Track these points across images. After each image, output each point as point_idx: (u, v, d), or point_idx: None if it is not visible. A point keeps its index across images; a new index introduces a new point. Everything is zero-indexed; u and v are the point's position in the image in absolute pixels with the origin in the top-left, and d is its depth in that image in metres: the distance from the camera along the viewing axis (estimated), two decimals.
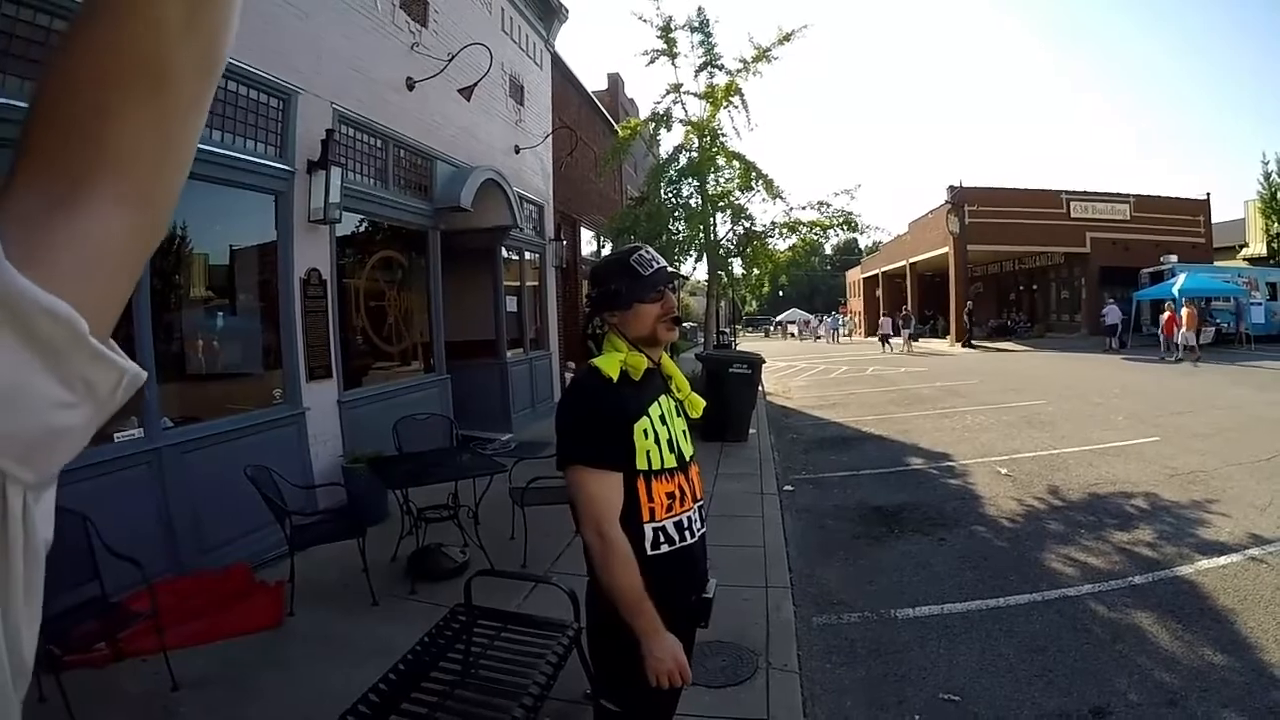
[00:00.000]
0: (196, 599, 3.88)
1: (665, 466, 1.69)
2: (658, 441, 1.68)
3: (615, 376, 1.66)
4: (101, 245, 0.43)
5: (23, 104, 3.40)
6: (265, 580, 4.33)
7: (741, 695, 3.05)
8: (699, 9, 10.50)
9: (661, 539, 1.68)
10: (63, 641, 2.79)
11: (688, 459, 1.79)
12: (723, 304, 18.93)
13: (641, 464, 1.65)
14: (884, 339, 28.99)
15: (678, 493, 1.72)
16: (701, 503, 1.84)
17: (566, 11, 11.30)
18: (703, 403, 1.93)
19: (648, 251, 1.76)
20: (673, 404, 1.81)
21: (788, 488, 6.82)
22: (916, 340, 28.37)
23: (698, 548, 1.79)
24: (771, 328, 57.31)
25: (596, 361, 1.69)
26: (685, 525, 1.73)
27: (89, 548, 3.10)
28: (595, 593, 1.73)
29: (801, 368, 21.58)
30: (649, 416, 1.69)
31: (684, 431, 1.82)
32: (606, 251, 15.61)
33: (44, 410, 0.40)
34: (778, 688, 3.10)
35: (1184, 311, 17.61)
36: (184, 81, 0.45)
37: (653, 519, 1.68)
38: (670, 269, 1.78)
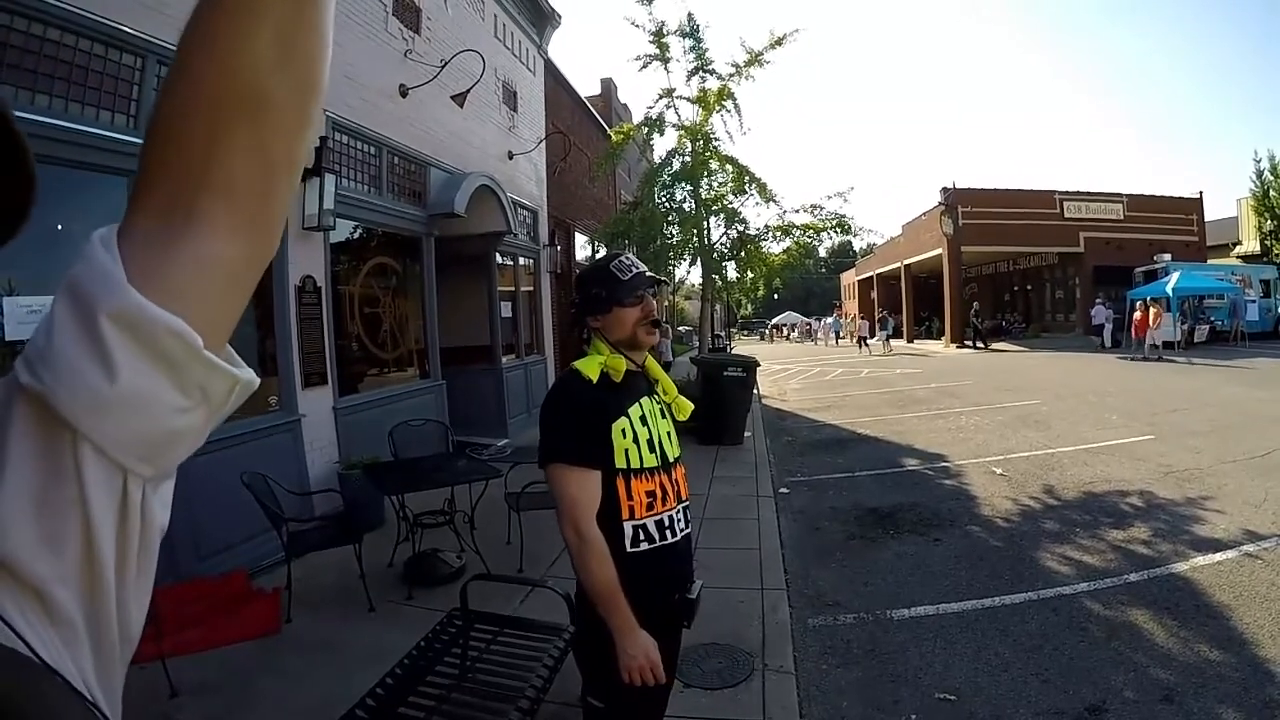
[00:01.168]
0: (194, 606, 3.87)
1: (645, 466, 1.73)
2: (636, 441, 1.72)
3: (595, 378, 1.70)
4: (214, 267, 0.46)
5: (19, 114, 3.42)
6: (263, 587, 4.32)
7: (738, 697, 3.05)
8: (689, 15, 10.55)
9: (641, 537, 1.71)
10: None
11: (672, 460, 1.82)
12: (718, 308, 18.96)
13: (620, 462, 1.69)
14: (860, 340, 29.69)
15: (659, 491, 1.75)
16: (687, 503, 1.86)
17: (559, 17, 11.34)
18: (690, 405, 1.96)
19: (627, 257, 1.81)
20: (657, 406, 1.85)
21: (783, 490, 6.83)
22: (891, 342, 29.11)
23: (681, 547, 1.81)
24: (767, 331, 57.36)
25: (577, 364, 1.74)
26: (667, 524, 1.76)
27: None
28: (582, 591, 1.76)
29: (797, 370, 21.62)
30: (628, 417, 1.73)
31: (668, 433, 1.85)
32: (601, 255, 15.63)
33: (165, 415, 0.45)
34: (774, 689, 3.10)
35: (1152, 311, 18.05)
36: (283, 108, 0.48)
37: (632, 517, 1.71)
38: (650, 274, 1.82)
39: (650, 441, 1.76)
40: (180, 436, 0.47)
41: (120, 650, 0.49)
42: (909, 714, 3.04)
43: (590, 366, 1.71)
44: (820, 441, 9.50)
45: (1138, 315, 18.44)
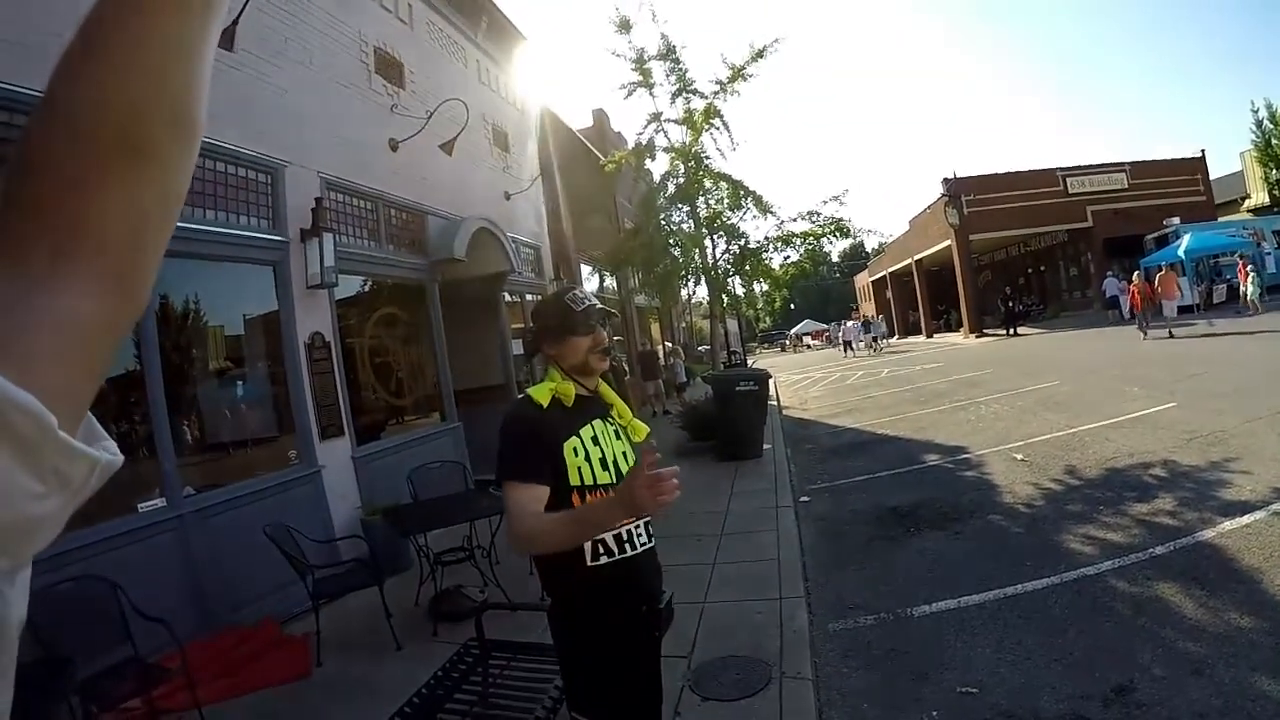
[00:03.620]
0: (227, 655, 3.99)
1: (599, 482, 1.82)
2: (589, 459, 1.82)
3: (546, 403, 1.83)
4: (78, 327, 0.41)
5: None
6: (293, 633, 4.42)
7: (755, 706, 3.06)
8: (663, 36, 10.74)
9: (601, 551, 1.79)
10: (99, 700, 2.94)
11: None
12: (731, 324, 19.00)
13: (574, 480, 1.79)
14: (846, 345, 30.16)
15: None
16: (648, 518, 1.92)
17: (543, 56, 11.64)
18: (645, 429, 2.05)
19: (580, 291, 1.97)
20: (610, 428, 1.96)
21: (804, 498, 6.81)
22: (880, 343, 29.77)
23: (644, 560, 1.89)
24: (787, 342, 57.15)
25: (530, 390, 1.87)
26: (625, 538, 1.84)
27: (120, 612, 3.27)
28: (556, 614, 1.86)
29: (817, 378, 21.51)
30: (579, 436, 1.83)
31: (624, 453, 1.95)
32: (609, 284, 15.80)
33: (17, 501, 0.39)
34: (791, 697, 3.11)
35: (1158, 278, 15.85)
36: (160, 152, 0.44)
37: None
38: (601, 308, 1.96)
39: (603, 460, 1.85)
40: (35, 525, 0.40)
41: None
42: (930, 711, 3.02)
43: (542, 393, 1.84)
44: (841, 446, 9.46)
45: (1134, 284, 16.54)
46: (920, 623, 3.86)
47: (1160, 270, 16.24)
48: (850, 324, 33.41)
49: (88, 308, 0.42)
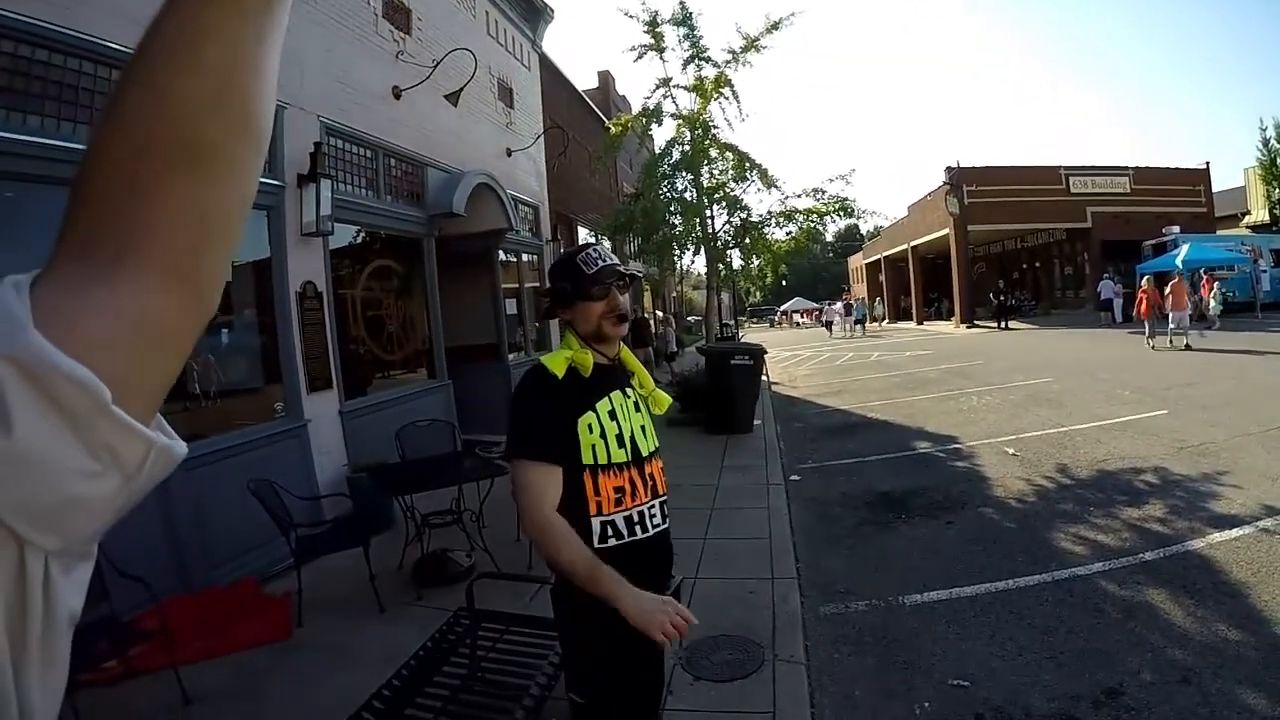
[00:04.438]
0: (205, 614, 3.90)
1: (613, 461, 1.71)
2: (604, 436, 1.70)
3: (561, 374, 1.70)
4: (140, 321, 0.42)
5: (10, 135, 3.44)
6: (273, 593, 4.35)
7: (748, 688, 3.04)
8: (681, 3, 10.44)
9: (609, 533, 1.70)
10: (74, 660, 2.83)
11: (644, 454, 1.79)
12: (725, 296, 18.90)
13: (587, 458, 1.68)
14: (828, 324, 31.73)
15: (628, 487, 1.74)
16: (664, 498, 1.84)
17: (552, 12, 11.27)
18: (668, 400, 1.94)
19: (594, 250, 1.78)
20: (630, 400, 1.82)
21: (794, 477, 6.80)
22: (860, 326, 30.68)
23: (655, 542, 1.79)
24: (776, 318, 57.20)
25: (544, 359, 1.73)
26: (637, 520, 1.74)
27: (97, 568, 3.12)
28: (559, 593, 1.76)
29: (806, 356, 21.54)
30: (595, 412, 1.71)
31: (642, 426, 1.83)
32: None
33: (68, 478, 0.40)
34: (784, 679, 3.08)
35: (1170, 286, 14.47)
36: (221, 154, 0.45)
37: (600, 513, 1.69)
38: (618, 268, 1.78)
39: (619, 436, 1.74)
40: (86, 504, 0.41)
41: None
42: (922, 701, 3.01)
43: (556, 362, 1.71)
44: (830, 427, 9.46)
45: (1143, 289, 15.04)
46: (912, 611, 3.85)
47: (1173, 278, 14.89)
48: (832, 305, 35.05)
49: (151, 305, 0.43)
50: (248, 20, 0.45)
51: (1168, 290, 14.20)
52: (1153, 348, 14.12)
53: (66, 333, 0.39)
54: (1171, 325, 14.06)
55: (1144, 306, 14.67)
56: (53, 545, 0.41)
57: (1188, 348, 13.52)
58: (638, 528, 1.74)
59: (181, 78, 0.43)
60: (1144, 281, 15.27)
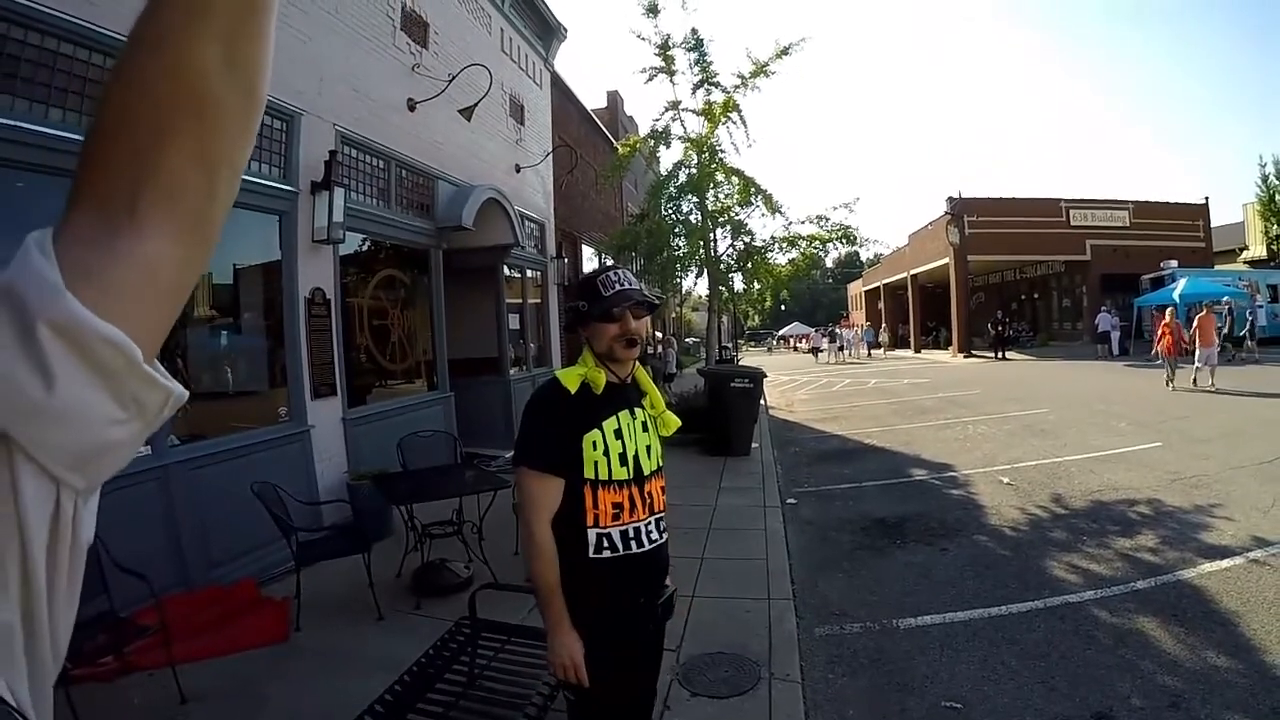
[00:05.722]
0: (204, 614, 3.91)
1: (614, 478, 1.78)
2: (607, 454, 1.77)
3: (574, 389, 1.77)
4: (153, 271, 0.46)
5: (24, 125, 3.50)
6: (272, 595, 4.36)
7: (744, 705, 3.06)
8: (694, 29, 10.63)
9: (604, 544, 1.77)
10: (71, 655, 2.84)
11: (646, 473, 1.86)
12: (724, 319, 18.98)
13: (589, 473, 1.76)
14: (814, 350, 33.75)
15: (626, 504, 1.80)
16: (661, 514, 1.91)
17: (565, 31, 11.47)
18: (677, 421, 1.99)
19: (616, 273, 1.83)
20: (638, 421, 1.88)
21: (790, 500, 6.83)
22: (842, 353, 32.51)
23: (650, 556, 1.86)
24: (774, 342, 57.31)
25: (558, 373, 1.82)
26: (633, 535, 1.81)
27: (97, 563, 3.15)
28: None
29: (803, 382, 21.59)
30: (601, 430, 1.78)
31: (648, 447, 1.88)
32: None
33: (101, 426, 0.45)
34: (780, 698, 3.11)
35: (1197, 319, 13.06)
36: (227, 115, 0.48)
37: (596, 524, 1.77)
38: (634, 293, 1.81)
39: (623, 455, 1.80)
40: (113, 448, 0.46)
41: (51, 669, 0.48)
42: None
43: (571, 378, 1.79)
44: (827, 452, 9.49)
45: (1165, 323, 13.34)
46: (906, 635, 3.87)
47: (1201, 311, 13.40)
48: (815, 332, 38.42)
49: (166, 251, 0.46)
50: None
51: (1194, 325, 12.88)
52: (1173, 388, 12.56)
53: (96, 289, 0.43)
54: (1197, 364, 12.62)
55: (1168, 342, 12.93)
56: (81, 485, 0.46)
57: (1214, 389, 12.07)
58: (633, 543, 1.81)
59: (194, 42, 0.46)
60: (1166, 315, 13.77)
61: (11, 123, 3.45)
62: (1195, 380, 12.56)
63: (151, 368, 0.46)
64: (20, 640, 0.45)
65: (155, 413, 0.48)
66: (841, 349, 32.85)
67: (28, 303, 0.41)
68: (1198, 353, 12.65)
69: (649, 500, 1.86)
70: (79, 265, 0.43)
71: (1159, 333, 13.49)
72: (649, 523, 1.85)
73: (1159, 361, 13.42)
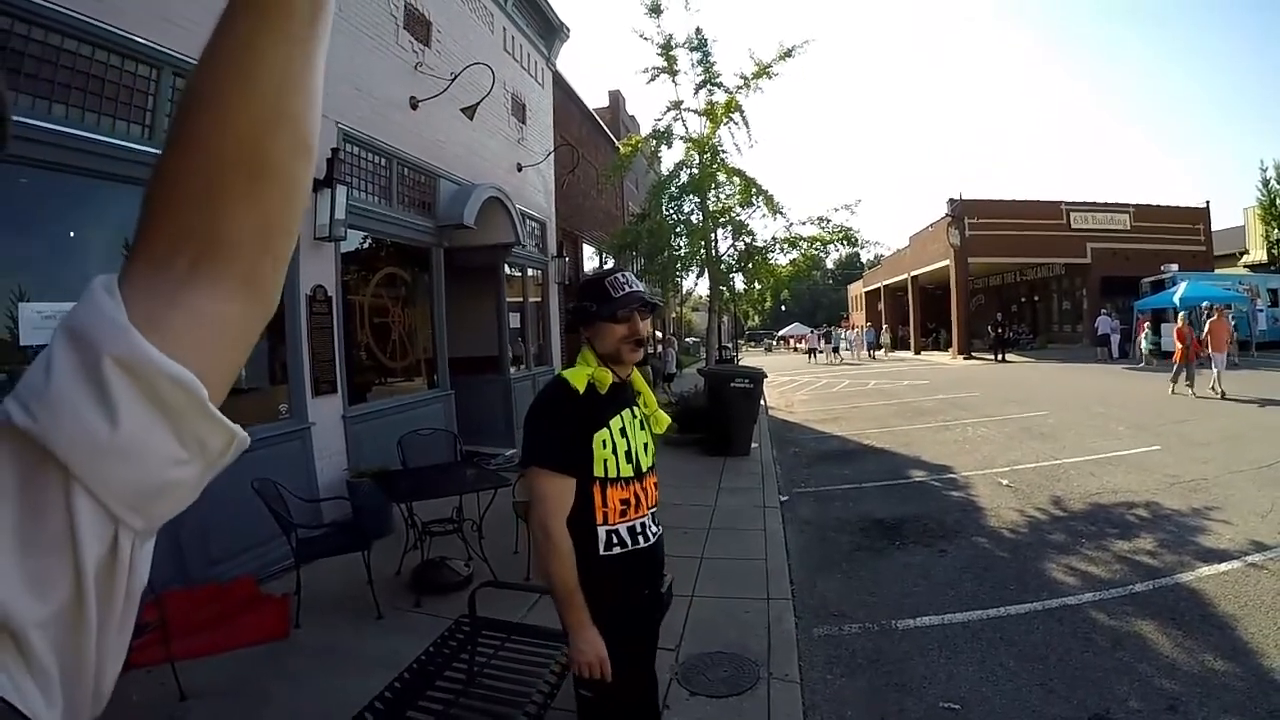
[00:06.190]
0: (204, 611, 3.92)
1: (621, 475, 1.82)
2: (615, 452, 1.81)
3: (581, 389, 1.80)
4: (217, 321, 0.47)
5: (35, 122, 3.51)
6: (272, 592, 4.37)
7: (743, 705, 3.07)
8: (698, 29, 10.65)
9: (614, 541, 1.82)
10: None
11: (645, 469, 1.91)
12: (725, 319, 19.01)
13: (599, 471, 1.79)
14: (810, 352, 34.45)
15: (632, 500, 1.85)
16: (655, 509, 1.95)
17: (568, 30, 11.47)
18: (668, 420, 2.05)
19: (624, 275, 1.88)
20: (636, 418, 1.93)
21: (783, 498, 6.84)
22: (838, 354, 33.25)
23: (652, 550, 1.91)
24: (774, 342, 57.33)
25: (565, 373, 1.84)
26: (639, 530, 1.86)
27: None
28: None
29: (803, 382, 21.61)
30: (609, 428, 1.82)
31: (645, 444, 1.94)
32: (603, 268, 15.74)
33: (162, 465, 0.44)
34: (779, 698, 3.12)
35: (1209, 323, 12.52)
36: (280, 170, 0.49)
37: (606, 522, 1.81)
38: (643, 295, 1.87)
39: (628, 452, 1.85)
40: (173, 489, 0.46)
41: (90, 709, 0.47)
42: None
43: (578, 377, 1.80)
44: (827, 452, 9.50)
45: (1179, 328, 12.89)
46: (904, 636, 3.88)
47: (1213, 314, 12.87)
48: (811, 333, 39.05)
49: (225, 309, 0.47)
50: (295, 44, 0.49)
51: (1206, 329, 12.43)
52: (1193, 394, 12.04)
53: (160, 333, 0.43)
54: (1215, 369, 12.09)
55: (1184, 350, 12.51)
56: (140, 525, 0.45)
57: (1223, 396, 11.62)
58: (640, 537, 1.86)
59: (242, 100, 0.46)
60: (1179, 319, 13.27)
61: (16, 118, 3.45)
62: (1214, 386, 11.88)
63: (217, 410, 0.46)
64: (58, 677, 0.43)
65: (218, 455, 0.47)
66: (836, 350, 33.28)
67: (94, 339, 0.42)
68: (1213, 358, 12.22)
69: (648, 496, 1.92)
70: (142, 310, 0.43)
71: (1175, 340, 12.95)
72: (648, 517, 1.91)
73: (1173, 367, 12.94)
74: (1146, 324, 19.67)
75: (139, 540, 0.46)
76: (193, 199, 0.46)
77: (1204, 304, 15.42)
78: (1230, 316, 14.64)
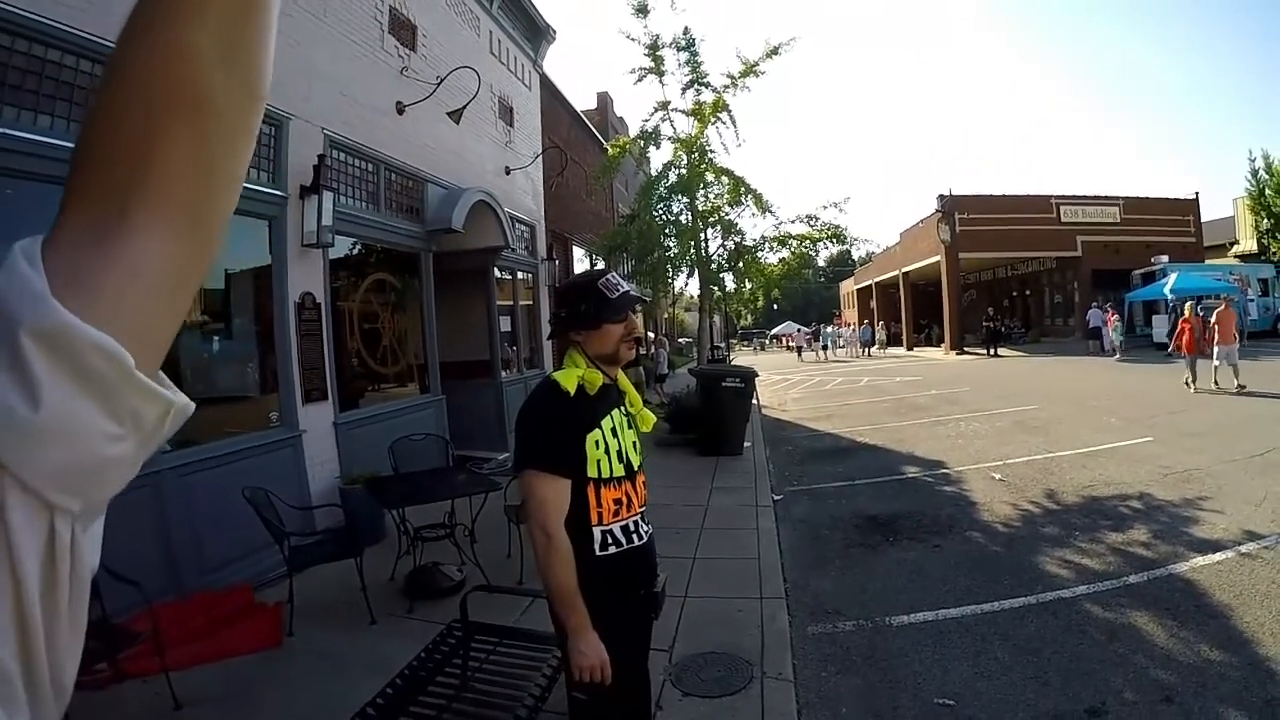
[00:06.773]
0: (197, 619, 3.89)
1: (614, 475, 1.83)
2: (608, 452, 1.82)
3: (572, 390, 1.80)
4: (148, 274, 0.43)
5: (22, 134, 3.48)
6: (265, 600, 4.34)
7: (737, 704, 3.06)
8: (685, 29, 10.65)
9: (609, 541, 1.82)
10: None
11: (635, 468, 1.93)
12: (716, 319, 19.02)
13: (592, 472, 1.79)
14: (798, 349, 35.22)
15: (624, 499, 1.87)
16: (645, 509, 1.97)
17: (554, 33, 11.46)
18: (654, 418, 2.07)
19: (613, 276, 1.91)
20: (624, 418, 1.95)
21: (776, 496, 6.85)
22: (825, 352, 33.34)
23: (645, 549, 1.92)
24: (767, 341, 57.37)
25: (555, 376, 1.84)
26: (632, 529, 1.87)
27: None
28: None
29: (796, 380, 21.64)
30: (601, 429, 1.83)
31: (634, 443, 1.96)
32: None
33: (94, 443, 0.41)
34: (772, 697, 3.11)
35: (1216, 314, 11.88)
36: (224, 108, 0.45)
37: (601, 522, 1.82)
38: (635, 294, 1.92)
39: (619, 452, 1.86)
40: (111, 467, 0.42)
41: (54, 706, 0.44)
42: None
43: (568, 379, 1.81)
44: (820, 450, 9.51)
45: (1185, 320, 12.44)
46: (899, 632, 3.88)
47: (1221, 304, 12.29)
48: (799, 332, 39.54)
49: (159, 252, 0.43)
50: None
51: (1212, 321, 11.84)
52: (1194, 390, 11.55)
53: (86, 295, 0.40)
54: (1216, 362, 11.63)
55: (1187, 340, 12.13)
56: (77, 508, 0.42)
57: (1241, 389, 11.14)
58: (633, 536, 1.88)
59: (188, 31, 0.43)
60: (1185, 309, 12.82)
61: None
62: (1216, 381, 11.53)
63: (149, 377, 0.43)
64: (19, 679, 0.41)
65: (154, 426, 0.44)
66: (825, 347, 33.44)
67: (8, 312, 0.39)
68: (1215, 350, 11.68)
69: (639, 495, 1.94)
70: (67, 271, 0.40)
71: (1178, 329, 12.63)
72: (640, 516, 1.92)
73: (1178, 359, 12.58)
74: (1116, 317, 20.63)
75: (80, 524, 0.43)
76: (125, 137, 0.43)
77: (1202, 296, 15.76)
78: (1236, 305, 14.04)
